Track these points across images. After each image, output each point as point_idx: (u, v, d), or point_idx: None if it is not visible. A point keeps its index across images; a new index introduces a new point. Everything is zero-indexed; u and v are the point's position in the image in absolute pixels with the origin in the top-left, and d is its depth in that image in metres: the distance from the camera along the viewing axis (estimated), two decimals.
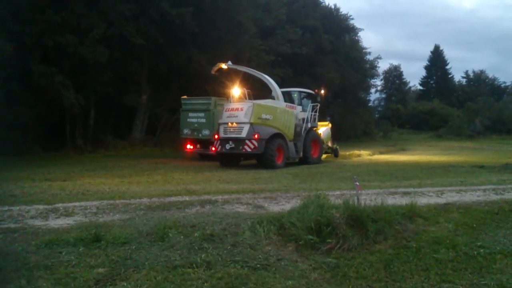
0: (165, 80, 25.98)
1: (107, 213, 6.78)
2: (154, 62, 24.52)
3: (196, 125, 19.55)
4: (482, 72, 76.07)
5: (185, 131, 20.00)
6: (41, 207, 7.09)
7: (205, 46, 24.71)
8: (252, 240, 5.44)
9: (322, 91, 20.37)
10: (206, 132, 19.09)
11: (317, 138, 19.20)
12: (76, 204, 7.38)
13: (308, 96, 19.78)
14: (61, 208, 6.97)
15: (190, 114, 19.85)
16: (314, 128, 19.33)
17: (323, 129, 20.92)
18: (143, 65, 24.81)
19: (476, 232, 6.14)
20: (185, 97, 20.59)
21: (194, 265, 4.71)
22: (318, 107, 19.60)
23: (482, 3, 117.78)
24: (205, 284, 4.31)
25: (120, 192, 8.90)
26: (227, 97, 17.72)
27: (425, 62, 76.61)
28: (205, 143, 19.22)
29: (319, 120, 20.34)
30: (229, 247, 5.20)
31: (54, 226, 6.02)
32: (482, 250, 5.49)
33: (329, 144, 21.43)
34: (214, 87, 22.66)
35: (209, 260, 4.82)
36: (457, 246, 5.56)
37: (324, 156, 20.44)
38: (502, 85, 73.49)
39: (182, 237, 5.41)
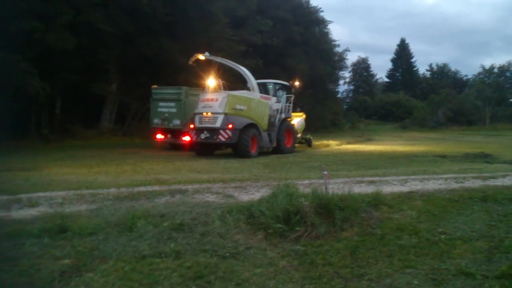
0: (135, 69, 25.48)
1: (73, 203, 6.62)
2: (123, 50, 23.99)
3: (166, 114, 19.34)
4: (445, 65, 78.22)
5: (155, 120, 19.76)
6: (3, 198, 6.83)
7: (177, 35, 24.35)
8: (222, 229, 5.46)
9: (297, 83, 20.89)
10: (176, 121, 18.95)
11: (290, 128, 19.62)
12: (41, 194, 7.16)
13: (283, 87, 20.22)
14: (24, 199, 6.74)
15: (161, 104, 19.63)
16: (288, 119, 19.72)
17: (298, 119, 21.42)
18: (112, 53, 24.23)
19: (437, 219, 6.37)
20: (155, 86, 20.32)
21: (162, 254, 4.69)
22: (292, 98, 20.11)
23: None
24: (174, 273, 4.30)
25: (88, 182, 8.70)
26: (202, 88, 17.88)
27: (392, 55, 78.19)
28: (176, 132, 19.08)
29: (294, 111, 20.60)
30: (198, 237, 5.21)
31: (17, 217, 5.86)
32: (443, 236, 5.71)
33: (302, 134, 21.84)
34: (186, 77, 22.43)
35: (178, 250, 4.81)
36: (419, 233, 5.76)
37: (297, 145, 20.75)
38: (464, 78, 75.78)
39: (151, 227, 5.37)
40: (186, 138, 18.04)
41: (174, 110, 19.20)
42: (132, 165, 12.65)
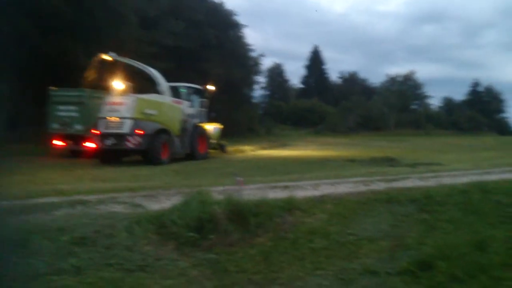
0: (33, 69, 23.55)
1: None
2: (19, 50, 22.05)
3: (66, 119, 17.92)
4: (354, 73, 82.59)
5: (54, 125, 18.19)
6: None
7: (82, 35, 22.96)
8: (129, 241, 5.11)
9: (211, 87, 20.44)
10: (78, 126, 17.62)
11: (204, 133, 19.06)
12: None
13: (196, 91, 19.60)
14: None
15: (60, 107, 18.14)
16: (202, 124, 19.22)
17: (214, 126, 20.87)
18: (6, 53, 22.17)
19: (347, 221, 6.56)
20: (54, 88, 18.70)
21: (61, 271, 4.27)
22: (206, 103, 19.62)
23: (351, 8, 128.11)
24: None
25: None
26: (107, 90, 16.74)
27: (305, 62, 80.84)
28: (77, 138, 17.68)
29: (208, 116, 20.28)
30: (102, 250, 4.82)
31: None
32: (351, 237, 5.90)
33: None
34: (88, 79, 21.09)
35: (79, 265, 4.41)
36: (330, 235, 5.89)
37: (211, 151, 20.38)
38: (372, 86, 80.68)
39: (47, 242, 4.86)
40: (90, 145, 16.82)
41: (75, 114, 17.86)
42: (26, 175, 11.39)
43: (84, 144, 17.13)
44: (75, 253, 4.69)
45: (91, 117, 17.14)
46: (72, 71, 21.92)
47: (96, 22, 22.92)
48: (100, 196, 7.37)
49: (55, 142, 18.26)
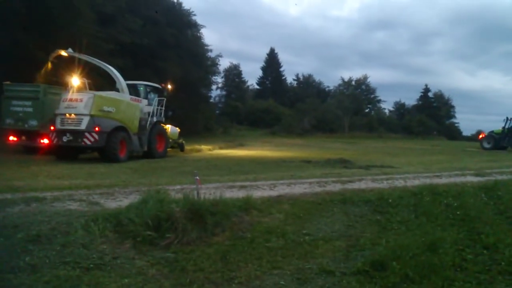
0: None
1: None
2: None
3: (21, 114, 17.36)
4: (310, 76, 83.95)
5: (8, 120, 17.61)
6: None
7: (33, 28, 22.11)
8: (86, 239, 5.07)
9: (169, 86, 20.59)
10: (33, 122, 17.13)
11: (162, 132, 19.21)
12: None
13: (155, 90, 19.71)
14: None
15: (14, 102, 17.55)
16: (160, 123, 19.28)
17: (172, 126, 21.03)
18: None
19: (302, 221, 6.75)
20: (8, 82, 18.20)
21: (16, 269, 4.22)
22: (164, 101, 19.72)
23: (305, 12, 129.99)
24: None
25: None
26: (64, 86, 16.57)
27: (262, 63, 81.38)
28: (32, 134, 17.23)
29: (165, 115, 20.26)
30: (58, 248, 4.76)
31: None
32: (307, 237, 6.08)
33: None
34: (45, 74, 20.44)
35: (34, 263, 4.37)
36: (286, 235, 6.05)
37: (169, 150, 20.37)
38: (326, 89, 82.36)
39: (1, 239, 4.77)
40: (45, 141, 16.55)
41: (30, 109, 17.32)
42: None
43: (39, 140, 16.80)
44: (31, 251, 4.63)
45: (46, 113, 16.83)
46: (26, 65, 21.08)
47: (50, 14, 22.14)
48: (56, 193, 7.24)
49: (11, 138, 17.66)
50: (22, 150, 18.28)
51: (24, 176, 10.28)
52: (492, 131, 34.63)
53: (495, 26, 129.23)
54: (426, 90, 78.89)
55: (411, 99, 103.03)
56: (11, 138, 17.70)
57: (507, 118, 33.68)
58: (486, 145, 33.92)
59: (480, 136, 36.70)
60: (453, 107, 79.38)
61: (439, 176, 11.90)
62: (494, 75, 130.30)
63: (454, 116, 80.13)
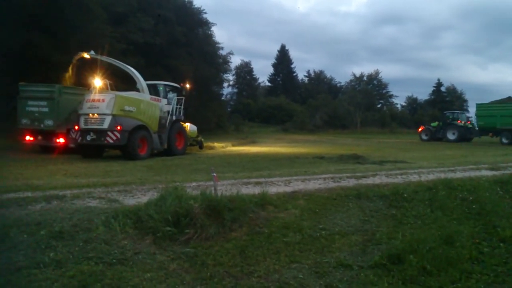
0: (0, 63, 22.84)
1: None
2: None
3: (36, 114, 17.70)
4: (321, 72, 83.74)
5: (24, 120, 17.97)
6: None
7: (49, 30, 22.43)
8: (107, 235, 5.17)
9: (187, 85, 21.08)
10: (49, 122, 17.49)
11: (182, 130, 19.81)
12: None
13: (174, 89, 20.27)
14: None
15: (30, 102, 17.89)
16: (180, 121, 19.82)
17: (190, 124, 21.53)
18: None
19: (318, 216, 6.78)
20: (23, 83, 18.49)
21: (41, 265, 4.32)
22: (183, 100, 20.28)
23: (312, 8, 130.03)
24: (55, 284, 4.00)
25: None
26: (87, 87, 17.14)
27: (272, 60, 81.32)
28: (48, 134, 17.61)
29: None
30: (81, 244, 4.86)
31: None
32: (323, 232, 6.12)
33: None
34: (59, 75, 20.74)
35: (58, 259, 4.46)
36: (303, 230, 6.09)
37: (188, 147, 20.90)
38: (338, 85, 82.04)
39: (25, 236, 4.89)
40: (61, 140, 16.89)
41: (45, 109, 17.67)
42: None
43: (55, 139, 17.24)
44: (54, 246, 4.73)
45: (61, 113, 17.21)
46: (41, 65, 21.44)
47: (64, 15, 22.46)
48: (75, 191, 7.38)
49: (27, 138, 18.07)
50: (38, 149, 18.69)
51: (42, 175, 10.51)
52: (430, 125, 38.20)
53: (505, 19, 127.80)
54: (439, 84, 77.92)
55: (422, 94, 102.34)
56: (28, 138, 18.13)
57: (443, 112, 40.51)
58: (424, 137, 37.39)
59: (420, 129, 39.00)
60: (466, 101, 78.47)
61: (454, 170, 11.82)
62: (506, 68, 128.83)
63: (467, 110, 79.26)
